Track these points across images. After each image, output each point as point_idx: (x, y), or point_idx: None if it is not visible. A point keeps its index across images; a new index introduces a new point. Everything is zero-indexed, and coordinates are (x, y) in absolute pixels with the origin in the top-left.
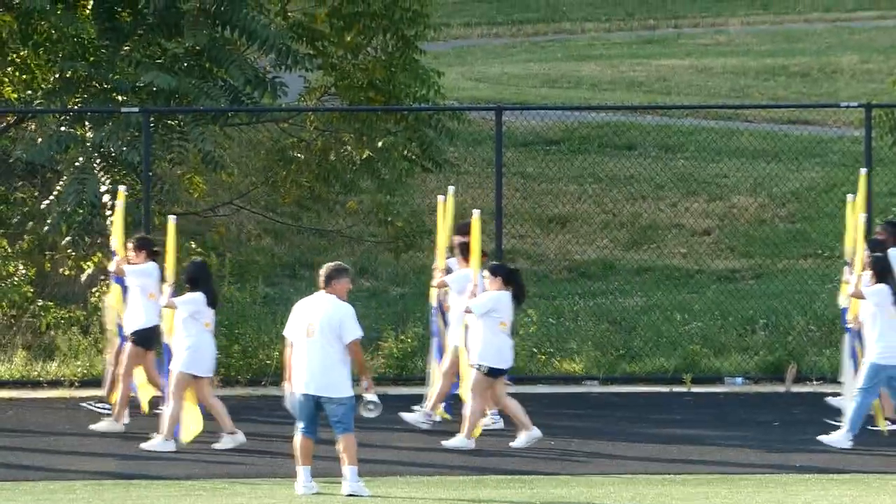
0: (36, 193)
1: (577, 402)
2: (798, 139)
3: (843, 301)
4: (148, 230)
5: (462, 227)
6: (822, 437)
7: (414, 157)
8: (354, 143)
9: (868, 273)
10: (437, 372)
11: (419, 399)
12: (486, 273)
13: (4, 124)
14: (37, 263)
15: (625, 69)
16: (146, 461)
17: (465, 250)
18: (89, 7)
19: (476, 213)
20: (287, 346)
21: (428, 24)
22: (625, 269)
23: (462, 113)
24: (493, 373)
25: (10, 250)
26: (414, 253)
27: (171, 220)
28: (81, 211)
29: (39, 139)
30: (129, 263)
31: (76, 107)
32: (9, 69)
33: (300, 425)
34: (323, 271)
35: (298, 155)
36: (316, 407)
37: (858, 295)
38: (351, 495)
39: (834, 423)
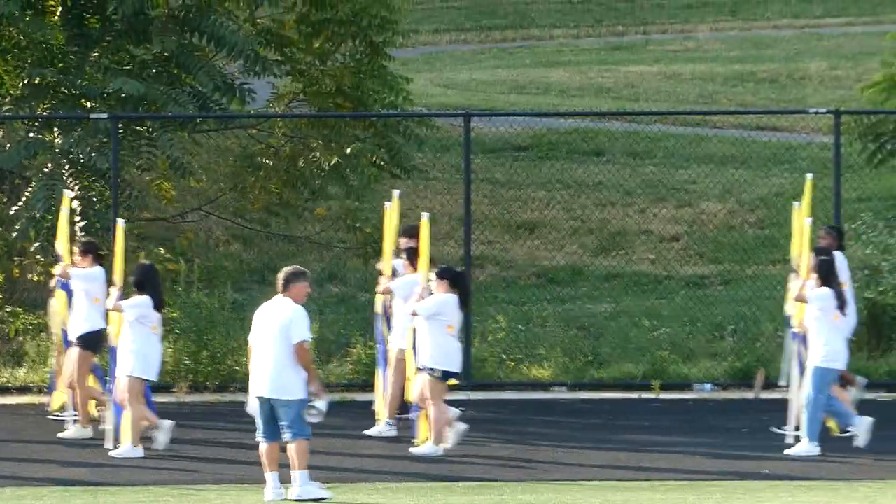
0: (4, 199)
1: (546, 409)
2: (767, 145)
3: (789, 308)
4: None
5: (408, 230)
6: (789, 451)
7: (382, 163)
8: (323, 150)
9: (813, 277)
10: (380, 379)
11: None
12: (433, 276)
13: None
14: (5, 269)
15: (593, 75)
16: (114, 468)
17: (411, 254)
18: (58, 13)
19: (425, 216)
20: (251, 352)
21: (396, 31)
22: (593, 275)
23: (430, 119)
24: (447, 376)
25: None
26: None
27: (120, 224)
28: (50, 217)
29: (8, 145)
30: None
31: (45, 113)
32: None
33: (260, 430)
34: (280, 275)
35: (267, 161)
36: (272, 410)
37: (802, 299)
38: (299, 499)
39: (781, 432)
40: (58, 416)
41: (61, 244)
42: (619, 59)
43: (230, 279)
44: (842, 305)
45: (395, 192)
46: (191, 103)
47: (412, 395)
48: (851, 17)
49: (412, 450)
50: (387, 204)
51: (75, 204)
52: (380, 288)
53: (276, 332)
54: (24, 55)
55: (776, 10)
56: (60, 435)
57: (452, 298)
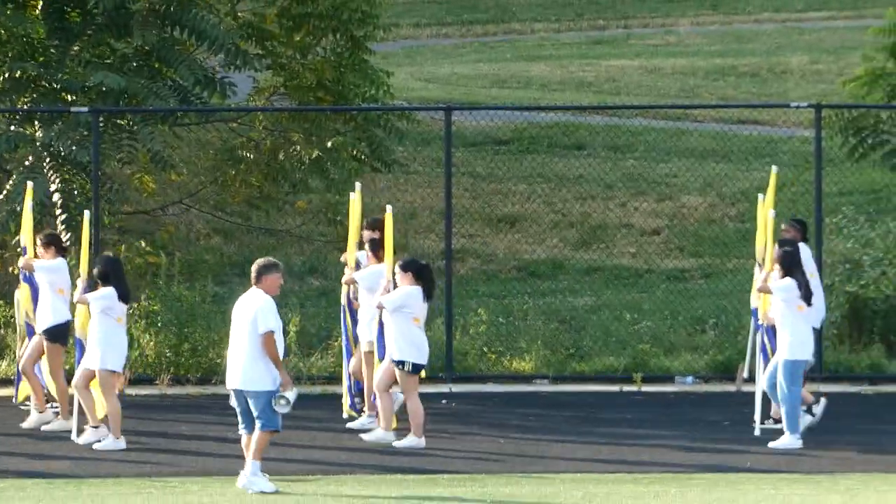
0: None
1: (527, 401)
2: (748, 139)
3: (754, 300)
4: (97, 229)
5: (371, 223)
6: (772, 444)
7: (363, 156)
8: (303, 143)
9: (777, 268)
10: (345, 370)
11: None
12: (397, 269)
13: None
14: None
15: (574, 69)
16: (97, 460)
17: (374, 245)
18: (39, 7)
19: (388, 208)
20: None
21: (377, 25)
22: (574, 268)
23: (411, 113)
24: (417, 368)
25: None
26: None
27: (86, 215)
28: None
29: None
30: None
31: (26, 106)
32: None
33: (239, 422)
34: (253, 267)
35: (247, 155)
36: (247, 401)
37: (765, 290)
38: (244, 488)
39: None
40: (25, 405)
41: (25, 236)
42: (600, 53)
43: (211, 272)
44: (807, 296)
45: (358, 185)
46: (171, 97)
47: (373, 383)
48: (833, 11)
49: (395, 443)
50: (352, 195)
51: (56, 197)
52: (344, 279)
53: (246, 323)
54: (4, 49)
55: (757, 4)
56: (44, 428)
57: (417, 290)
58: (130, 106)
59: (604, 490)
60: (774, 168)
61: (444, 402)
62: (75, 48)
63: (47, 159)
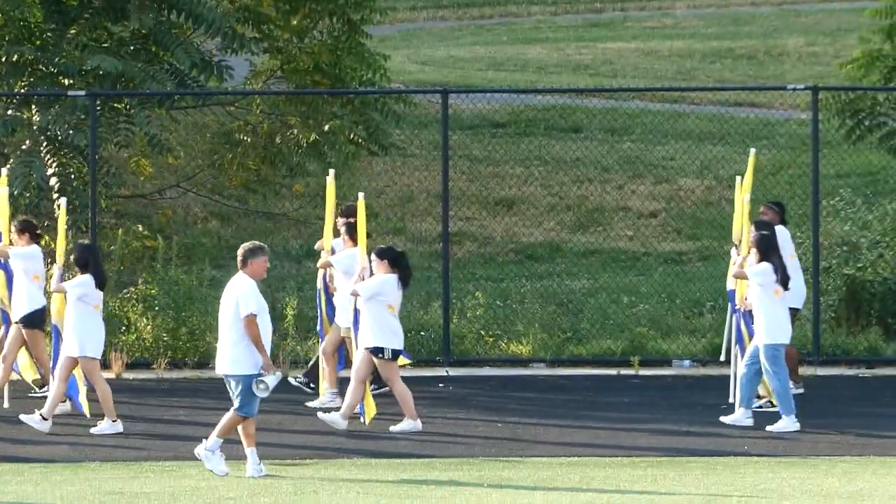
0: None
1: (525, 385)
2: (745, 122)
3: (730, 283)
4: (94, 213)
5: (345, 210)
6: (770, 427)
7: (360, 140)
8: (300, 127)
9: (753, 252)
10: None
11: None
12: (373, 256)
13: None
14: None
15: (571, 52)
16: (94, 445)
17: (349, 229)
18: None
19: (361, 195)
20: None
21: (374, 8)
22: (571, 251)
23: (408, 96)
24: (395, 355)
25: None
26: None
27: (62, 202)
28: (28, 194)
29: None
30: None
31: (23, 90)
32: None
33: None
34: (239, 251)
35: (245, 138)
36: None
37: (741, 275)
38: (199, 458)
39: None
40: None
41: (0, 223)
42: (596, 36)
43: (208, 256)
44: (784, 280)
45: (332, 172)
46: (168, 80)
47: (351, 371)
48: None
49: (392, 428)
50: (328, 179)
51: (53, 181)
52: (319, 263)
53: (229, 307)
54: (1, 32)
55: None
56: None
57: (393, 278)
58: (127, 89)
59: (601, 474)
60: (752, 150)
61: (441, 385)
62: (72, 32)
63: (44, 143)
